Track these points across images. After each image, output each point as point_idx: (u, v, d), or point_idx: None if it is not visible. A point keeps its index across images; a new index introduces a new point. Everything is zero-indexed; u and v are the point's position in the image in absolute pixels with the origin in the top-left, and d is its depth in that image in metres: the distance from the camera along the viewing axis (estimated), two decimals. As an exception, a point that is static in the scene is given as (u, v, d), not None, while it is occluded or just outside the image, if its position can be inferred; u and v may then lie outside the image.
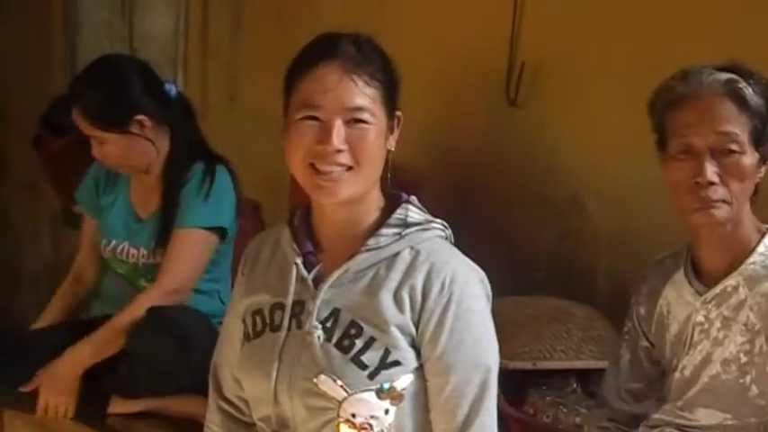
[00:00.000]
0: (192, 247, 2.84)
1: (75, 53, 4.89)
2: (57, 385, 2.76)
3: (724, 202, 1.95)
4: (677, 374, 2.07)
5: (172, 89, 2.93)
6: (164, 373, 2.69)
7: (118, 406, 2.79)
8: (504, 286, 2.99)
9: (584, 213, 3.20)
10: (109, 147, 2.86)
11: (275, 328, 1.90)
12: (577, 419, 2.54)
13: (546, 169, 3.29)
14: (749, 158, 1.96)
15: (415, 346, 1.84)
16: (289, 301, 1.90)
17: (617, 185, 3.09)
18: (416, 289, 1.83)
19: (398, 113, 1.92)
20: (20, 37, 5.07)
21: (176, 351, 2.65)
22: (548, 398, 2.62)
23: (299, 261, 1.91)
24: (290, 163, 1.87)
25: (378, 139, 1.85)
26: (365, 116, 1.82)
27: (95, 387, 2.77)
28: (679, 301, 2.09)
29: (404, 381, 1.82)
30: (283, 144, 1.88)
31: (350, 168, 1.83)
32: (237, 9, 4.28)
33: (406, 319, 1.83)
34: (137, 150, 2.87)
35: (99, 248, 3.03)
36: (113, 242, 2.97)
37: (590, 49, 3.15)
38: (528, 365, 2.63)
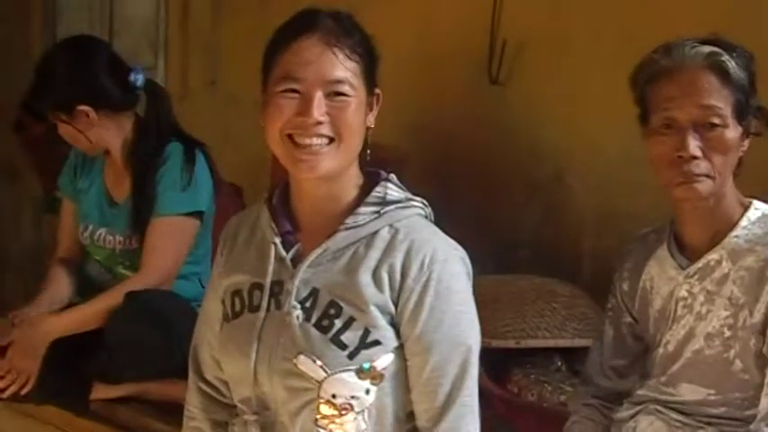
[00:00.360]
0: (172, 236, 2.83)
1: (55, 38, 4.84)
2: (27, 347, 2.75)
3: (707, 176, 1.93)
4: (660, 350, 2.05)
5: (138, 78, 2.91)
6: (145, 359, 2.68)
7: (100, 391, 2.79)
8: (488, 266, 2.99)
9: (568, 192, 3.20)
10: (61, 128, 2.91)
11: (254, 309, 1.88)
12: (562, 397, 2.53)
13: (530, 148, 3.28)
14: (732, 132, 1.95)
15: (395, 325, 1.81)
16: (267, 282, 1.87)
17: (601, 164, 3.09)
18: (395, 267, 1.81)
19: (378, 91, 1.90)
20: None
21: (157, 336, 2.63)
22: (532, 376, 2.61)
23: (277, 241, 1.89)
24: (268, 136, 1.84)
25: (358, 112, 1.83)
26: (346, 89, 1.81)
27: (78, 373, 2.76)
28: (662, 275, 2.07)
29: (384, 360, 1.80)
30: (261, 120, 1.86)
31: (330, 141, 1.81)
32: (218, -8, 4.26)
33: (386, 297, 1.81)
34: (82, 138, 2.89)
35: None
36: (90, 227, 2.97)
37: (573, 25, 3.14)
38: (511, 344, 2.62)
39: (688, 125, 1.93)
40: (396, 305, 1.81)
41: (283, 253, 1.88)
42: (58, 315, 2.82)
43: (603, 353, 2.21)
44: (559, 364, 2.68)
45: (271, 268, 1.88)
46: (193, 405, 2.03)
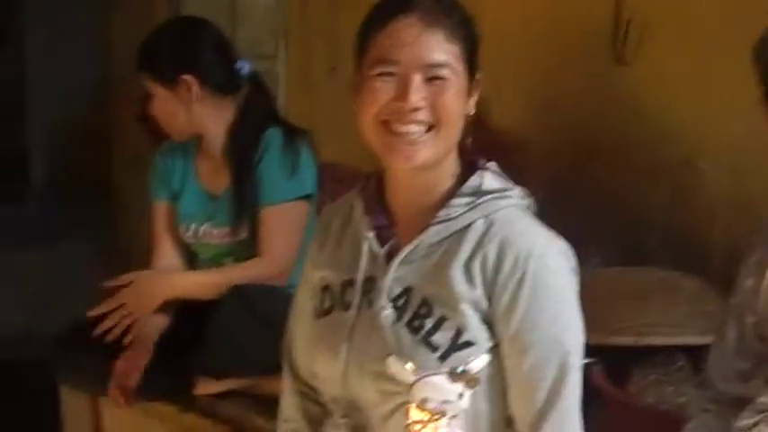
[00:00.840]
0: (284, 224, 2.79)
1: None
2: (143, 289, 2.79)
3: None
4: (786, 353, 1.88)
5: (245, 67, 2.90)
6: (246, 355, 2.64)
7: (204, 386, 2.76)
8: (613, 253, 2.84)
9: (698, 177, 3.02)
10: (156, 103, 2.85)
11: (345, 307, 1.80)
12: (682, 399, 2.37)
13: (657, 130, 3.12)
14: None
15: (489, 323, 1.70)
16: (359, 279, 1.79)
17: (734, 147, 2.90)
18: (488, 261, 1.69)
19: (479, 76, 1.78)
20: (125, 10, 5.09)
21: (260, 332, 2.57)
22: (652, 376, 2.45)
23: (370, 235, 1.80)
24: (361, 123, 1.76)
25: (458, 98, 1.73)
26: (445, 72, 1.70)
27: (182, 368, 2.74)
28: (789, 271, 1.89)
29: (479, 363, 1.68)
30: (354, 104, 1.77)
31: (429, 129, 1.70)
32: (336, -24, 4.19)
33: (478, 293, 1.69)
34: (179, 115, 2.84)
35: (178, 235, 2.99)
36: (193, 225, 2.93)
37: (702, 1, 2.96)
38: (629, 341, 2.45)
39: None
40: (489, 301, 1.69)
41: (377, 249, 1.79)
42: (179, 273, 2.87)
43: (725, 354, 2.04)
44: (682, 363, 2.50)
45: (363, 265, 1.79)
46: (288, 405, 1.97)
